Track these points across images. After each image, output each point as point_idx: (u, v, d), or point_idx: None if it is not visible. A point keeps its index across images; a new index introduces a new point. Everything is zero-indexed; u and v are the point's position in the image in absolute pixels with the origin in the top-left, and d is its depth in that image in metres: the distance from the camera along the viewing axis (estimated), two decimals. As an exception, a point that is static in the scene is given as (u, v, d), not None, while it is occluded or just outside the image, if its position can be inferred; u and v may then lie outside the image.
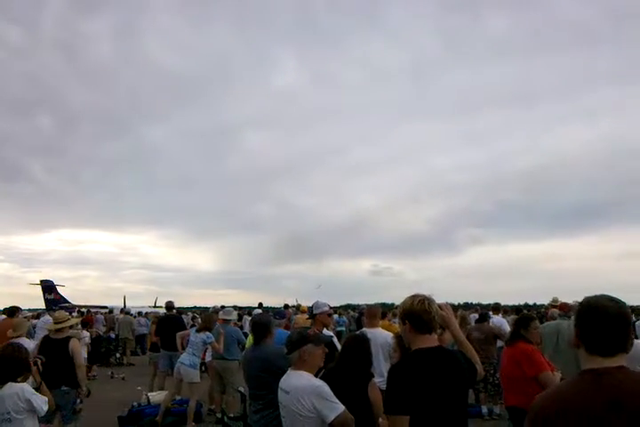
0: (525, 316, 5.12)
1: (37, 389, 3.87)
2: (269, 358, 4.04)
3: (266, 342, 4.33)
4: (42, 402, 3.67)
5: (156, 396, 8.51)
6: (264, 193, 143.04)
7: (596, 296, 1.77)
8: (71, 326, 6.73)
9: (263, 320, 4.53)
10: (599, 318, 1.70)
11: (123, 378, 12.70)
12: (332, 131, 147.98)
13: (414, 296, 2.55)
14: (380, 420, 3.19)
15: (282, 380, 3.10)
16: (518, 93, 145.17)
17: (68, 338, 6.06)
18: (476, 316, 9.95)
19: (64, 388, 5.80)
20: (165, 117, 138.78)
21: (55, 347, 5.94)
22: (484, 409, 8.29)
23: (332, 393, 2.83)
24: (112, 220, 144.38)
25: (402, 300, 2.61)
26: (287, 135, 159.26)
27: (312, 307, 5.79)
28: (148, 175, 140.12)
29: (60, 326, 6.10)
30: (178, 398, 8.39)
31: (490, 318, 9.33)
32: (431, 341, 2.48)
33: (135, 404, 8.37)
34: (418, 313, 2.47)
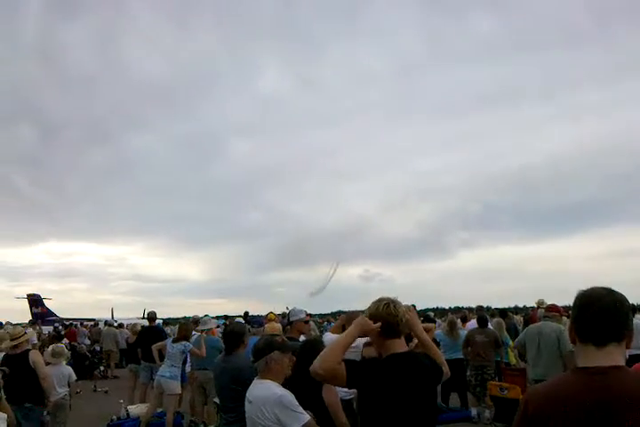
0: None
1: None
2: (240, 369, 3.92)
3: (238, 352, 4.23)
4: (0, 419, 3.52)
5: (136, 409, 8.33)
6: (252, 200, 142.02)
7: (591, 288, 1.71)
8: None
9: (236, 329, 4.42)
10: (591, 307, 1.63)
11: (106, 392, 12.41)
12: (318, 136, 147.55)
13: (379, 300, 2.49)
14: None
15: (248, 389, 2.98)
16: (503, 94, 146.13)
17: (27, 351, 5.93)
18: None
19: (27, 404, 5.68)
20: (149, 124, 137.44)
21: (15, 363, 5.80)
22: (473, 412, 8.20)
23: (295, 402, 2.72)
24: (99, 231, 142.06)
25: None
26: (273, 141, 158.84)
27: (288, 314, 5.68)
28: (133, 184, 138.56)
29: (15, 342, 5.96)
30: (159, 410, 8.20)
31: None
32: (401, 345, 2.45)
33: (114, 418, 8.20)
34: (384, 317, 2.41)
